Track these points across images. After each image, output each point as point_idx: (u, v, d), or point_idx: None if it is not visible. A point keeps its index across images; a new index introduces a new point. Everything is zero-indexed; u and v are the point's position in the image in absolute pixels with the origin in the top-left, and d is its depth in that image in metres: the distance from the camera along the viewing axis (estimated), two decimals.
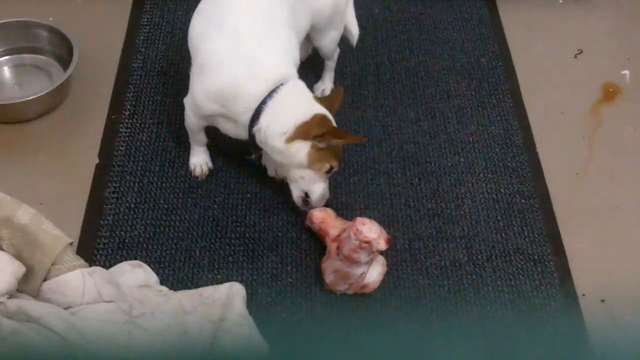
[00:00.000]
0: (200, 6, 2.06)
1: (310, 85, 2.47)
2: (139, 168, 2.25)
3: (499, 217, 2.21)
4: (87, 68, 2.48)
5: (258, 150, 2.02)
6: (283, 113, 1.92)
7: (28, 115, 2.36)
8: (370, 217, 1.89)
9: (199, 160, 2.24)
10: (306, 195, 2.03)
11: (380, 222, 1.90)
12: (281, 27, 2.00)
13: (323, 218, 2.03)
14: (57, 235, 1.66)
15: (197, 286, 1.90)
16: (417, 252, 2.11)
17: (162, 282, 1.95)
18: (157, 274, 1.95)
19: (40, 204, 2.07)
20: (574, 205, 2.27)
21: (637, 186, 2.35)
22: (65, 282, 1.63)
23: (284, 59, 1.97)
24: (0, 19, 2.52)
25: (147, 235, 2.09)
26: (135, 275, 1.90)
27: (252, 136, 1.97)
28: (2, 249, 1.63)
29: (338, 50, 2.43)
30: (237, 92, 1.92)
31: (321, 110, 1.96)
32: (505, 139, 2.43)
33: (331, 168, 1.99)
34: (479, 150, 2.39)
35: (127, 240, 2.07)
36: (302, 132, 1.91)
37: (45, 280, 1.63)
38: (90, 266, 1.71)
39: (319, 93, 2.48)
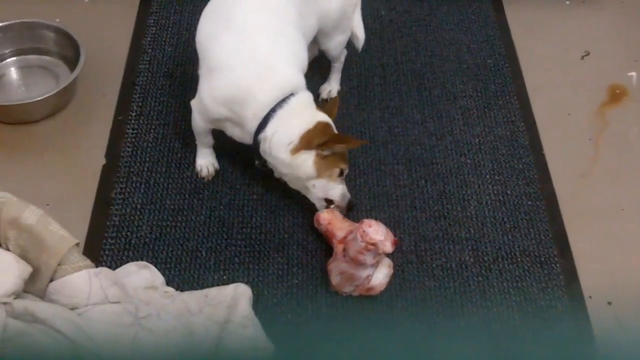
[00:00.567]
0: (207, 8, 2.05)
1: (317, 87, 2.48)
2: (146, 169, 2.25)
3: (505, 219, 2.21)
4: (94, 69, 2.48)
5: (261, 156, 2.02)
6: (290, 123, 1.92)
7: (34, 116, 2.36)
8: (376, 219, 1.89)
9: (206, 161, 2.24)
10: (326, 200, 2.03)
11: (387, 223, 1.90)
12: (290, 29, 1.99)
13: (330, 219, 2.03)
14: (63, 235, 1.67)
15: (203, 287, 1.90)
16: (423, 254, 2.10)
17: (168, 283, 1.95)
18: (163, 274, 1.96)
19: (47, 204, 2.07)
20: (580, 207, 2.27)
21: None
22: (71, 283, 1.63)
23: (294, 66, 1.97)
24: (6, 20, 2.52)
25: (154, 236, 2.09)
26: (141, 276, 1.90)
27: (256, 143, 1.97)
28: (9, 250, 1.64)
29: (345, 52, 2.43)
30: (247, 98, 1.92)
31: (324, 117, 1.96)
32: (511, 140, 2.42)
33: (342, 171, 1.99)
34: (485, 152, 2.38)
35: (133, 241, 2.08)
36: (306, 141, 1.91)
37: (51, 280, 1.63)
38: (97, 267, 1.72)
39: (325, 94, 2.48)
